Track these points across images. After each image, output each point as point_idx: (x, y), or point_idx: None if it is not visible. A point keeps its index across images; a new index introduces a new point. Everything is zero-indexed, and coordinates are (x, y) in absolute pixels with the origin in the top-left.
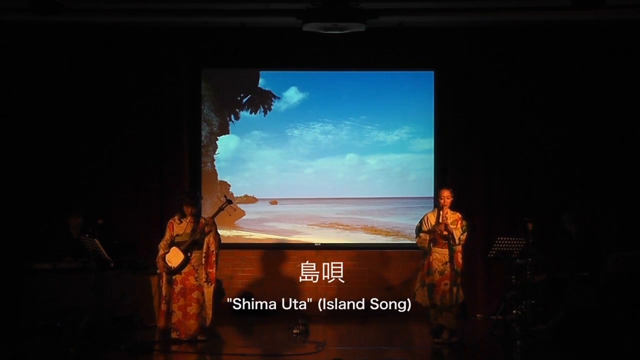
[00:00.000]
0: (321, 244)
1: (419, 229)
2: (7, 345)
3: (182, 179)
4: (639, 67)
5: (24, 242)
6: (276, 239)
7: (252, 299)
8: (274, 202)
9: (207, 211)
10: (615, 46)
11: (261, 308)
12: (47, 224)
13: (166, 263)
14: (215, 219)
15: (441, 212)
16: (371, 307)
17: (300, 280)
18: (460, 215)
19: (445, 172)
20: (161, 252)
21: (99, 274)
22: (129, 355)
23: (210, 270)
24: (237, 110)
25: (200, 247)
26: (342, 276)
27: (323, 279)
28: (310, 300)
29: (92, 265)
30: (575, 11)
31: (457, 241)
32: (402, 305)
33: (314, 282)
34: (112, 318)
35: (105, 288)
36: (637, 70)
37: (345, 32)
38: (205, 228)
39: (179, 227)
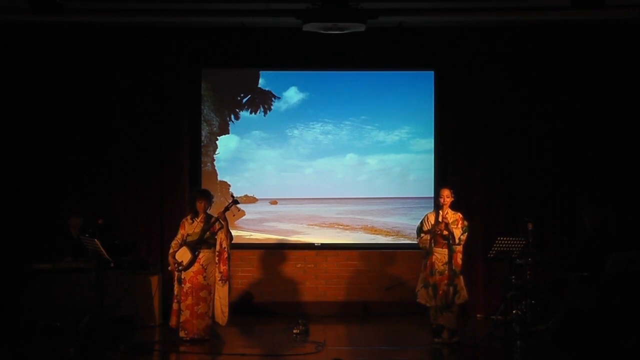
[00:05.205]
0: (321, 244)
1: (419, 230)
2: (7, 345)
3: (182, 179)
4: (639, 67)
5: (24, 242)
6: (276, 239)
7: (252, 299)
8: (274, 202)
9: (210, 211)
10: (615, 46)
11: (261, 308)
12: (47, 224)
13: (176, 260)
14: (225, 215)
15: (441, 212)
16: (371, 307)
17: (300, 280)
18: (461, 216)
19: (445, 172)
20: (172, 250)
21: (99, 274)
22: (129, 355)
23: (224, 268)
24: (237, 110)
25: (210, 246)
26: (342, 276)
27: (323, 279)
28: (310, 300)
29: (92, 265)
30: (575, 11)
31: (457, 241)
32: (402, 305)
33: (314, 282)
34: (112, 318)
35: (105, 288)
36: (637, 70)
37: (345, 32)
38: (216, 224)
39: (190, 226)
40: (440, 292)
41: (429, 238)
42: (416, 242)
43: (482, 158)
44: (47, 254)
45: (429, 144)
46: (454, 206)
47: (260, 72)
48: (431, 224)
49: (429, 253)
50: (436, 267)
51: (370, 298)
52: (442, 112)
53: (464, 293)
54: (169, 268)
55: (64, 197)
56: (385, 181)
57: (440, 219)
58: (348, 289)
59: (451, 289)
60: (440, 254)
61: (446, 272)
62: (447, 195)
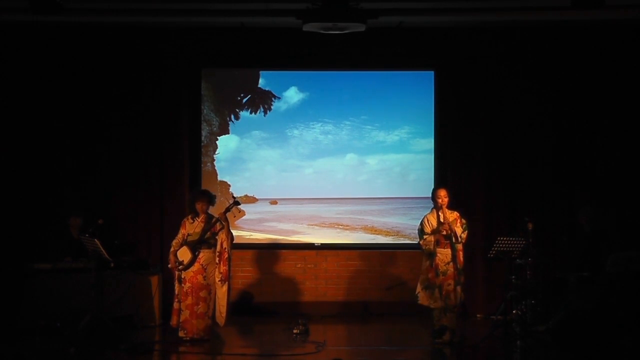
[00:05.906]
0: (321, 244)
1: (421, 232)
2: (7, 345)
3: (182, 179)
4: (639, 67)
5: (24, 242)
6: (276, 239)
7: (252, 299)
8: (274, 202)
9: (211, 211)
10: (615, 46)
11: (261, 308)
12: (47, 224)
13: (177, 258)
14: (227, 215)
15: (441, 212)
16: (371, 307)
17: (300, 280)
18: (458, 214)
19: (445, 172)
20: (172, 248)
21: (99, 274)
22: (129, 355)
23: (224, 269)
24: (237, 110)
25: (211, 246)
26: (342, 276)
27: (323, 278)
28: (310, 300)
29: (92, 265)
30: (575, 11)
31: (459, 239)
32: (402, 305)
33: (314, 282)
34: (112, 318)
35: (105, 288)
36: (637, 70)
37: (345, 32)
38: (217, 225)
39: (191, 226)
40: (444, 292)
41: (433, 240)
42: (416, 242)
43: (482, 158)
44: (47, 254)
45: (429, 144)
46: (452, 205)
47: (260, 72)
48: (433, 225)
49: (432, 254)
50: (440, 267)
51: (370, 298)
52: (442, 112)
53: (461, 292)
54: (169, 265)
55: (64, 197)
56: (385, 181)
57: (442, 220)
58: (348, 289)
59: (458, 287)
60: (442, 255)
61: (449, 272)
62: (444, 196)
